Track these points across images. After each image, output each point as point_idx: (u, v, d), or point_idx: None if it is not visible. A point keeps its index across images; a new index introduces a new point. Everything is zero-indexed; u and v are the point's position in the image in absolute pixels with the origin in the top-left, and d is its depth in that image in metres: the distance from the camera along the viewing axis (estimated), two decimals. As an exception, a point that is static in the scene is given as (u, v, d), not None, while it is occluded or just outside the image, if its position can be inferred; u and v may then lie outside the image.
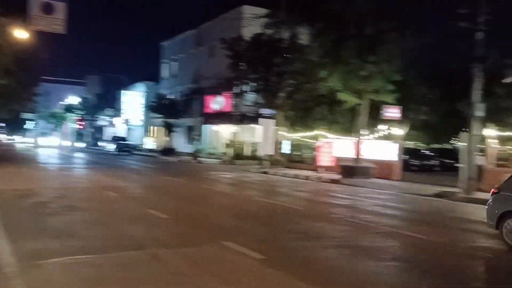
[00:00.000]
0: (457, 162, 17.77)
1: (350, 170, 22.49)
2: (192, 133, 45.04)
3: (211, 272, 6.30)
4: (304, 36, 28.54)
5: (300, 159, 29.82)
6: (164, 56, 55.05)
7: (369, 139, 24.58)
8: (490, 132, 17.95)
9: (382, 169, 22.82)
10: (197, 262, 6.79)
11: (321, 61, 24.28)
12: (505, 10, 17.06)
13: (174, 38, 52.13)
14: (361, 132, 23.64)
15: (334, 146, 25.26)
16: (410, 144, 30.20)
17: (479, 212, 13.08)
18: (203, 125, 43.82)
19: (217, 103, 40.23)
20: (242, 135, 37.52)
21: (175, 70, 52.34)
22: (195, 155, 36.69)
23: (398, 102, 24.57)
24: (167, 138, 46.85)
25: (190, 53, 47.73)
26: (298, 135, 29.43)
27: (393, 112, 24.87)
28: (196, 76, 44.10)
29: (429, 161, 30.21)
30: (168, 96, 48.21)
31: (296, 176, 23.68)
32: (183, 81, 47.64)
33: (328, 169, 24.18)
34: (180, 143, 46.24)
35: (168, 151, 43.80)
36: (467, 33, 17.16)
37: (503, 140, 18.15)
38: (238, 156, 34.27)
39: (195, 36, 47.08)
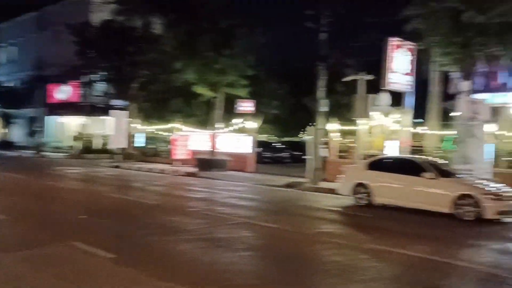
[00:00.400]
0: (305, 154, 18.97)
1: (206, 163, 22.64)
2: (34, 125, 41.21)
3: (58, 275, 5.78)
4: (159, 25, 27.88)
5: (155, 152, 29.16)
6: (0, 40, 49.45)
7: (224, 132, 24.99)
8: (333, 126, 19.49)
9: (237, 162, 23.37)
10: (42, 265, 6.17)
11: (176, 52, 23.98)
12: (345, 14, 18.58)
13: (12, 20, 47.04)
14: (216, 125, 23.93)
15: (190, 139, 25.17)
16: (263, 137, 31.39)
17: (324, 200, 14.20)
18: (46, 116, 40.37)
19: (63, 92, 37.34)
20: (91, 127, 35.41)
21: (14, 55, 47.32)
22: (38, 149, 33.62)
23: (252, 96, 25.44)
24: (5, 130, 42.32)
25: (32, 37, 43.55)
26: (153, 128, 28.73)
27: (246, 106, 25.71)
28: (39, 62, 40.38)
29: (280, 154, 31.72)
30: (5, 84, 43.48)
31: (150, 170, 23.11)
32: (24, 67, 43.22)
33: (184, 162, 24.04)
34: (20, 135, 42.07)
35: (5, 144, 39.48)
36: (313, 33, 18.37)
37: (343, 134, 19.84)
38: (87, 149, 32.21)
39: (38, 19, 43.06)
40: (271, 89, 31.73)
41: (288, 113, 33.09)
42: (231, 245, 7.91)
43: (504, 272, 6.79)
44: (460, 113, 14.15)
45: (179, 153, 24.46)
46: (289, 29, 28.44)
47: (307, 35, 19.50)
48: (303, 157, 20.77)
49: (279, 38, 33.02)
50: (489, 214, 10.72)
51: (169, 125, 27.17)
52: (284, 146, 33.34)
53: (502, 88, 17.86)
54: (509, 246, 8.78)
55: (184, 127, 26.47)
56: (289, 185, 17.53)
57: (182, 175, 21.32)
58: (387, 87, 17.88)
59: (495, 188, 11.36)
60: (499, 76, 17.82)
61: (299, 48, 32.27)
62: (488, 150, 14.62)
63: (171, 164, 24.34)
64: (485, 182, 11.96)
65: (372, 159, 13.90)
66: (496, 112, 16.55)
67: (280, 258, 7.26)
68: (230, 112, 25.27)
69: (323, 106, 18.28)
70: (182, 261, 6.79)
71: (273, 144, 32.90)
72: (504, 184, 11.87)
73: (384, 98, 18.05)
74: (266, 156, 29.07)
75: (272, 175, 21.06)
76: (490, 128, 15.13)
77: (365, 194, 12.76)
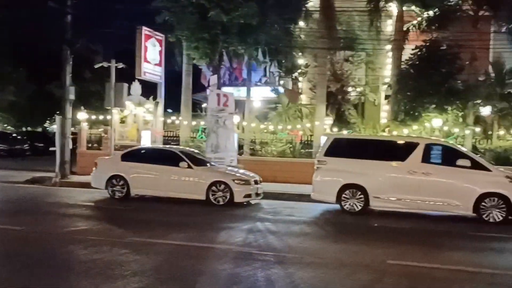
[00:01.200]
0: (50, 146, 17.42)
1: None
2: None
3: None
4: None
5: None
6: None
7: None
8: (82, 115, 18.33)
9: (-37, 156, 19.92)
10: None
11: None
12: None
13: None
14: None
15: None
16: (-3, 127, 27.88)
17: (76, 196, 13.28)
18: None
19: None
20: None
21: None
22: None
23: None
24: None
25: None
26: None
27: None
28: None
29: (19, 146, 28.59)
30: None
31: None
32: None
33: None
34: None
35: None
36: (57, 15, 16.85)
37: (94, 123, 18.89)
38: None
39: None
40: (5, 73, 28.17)
41: (29, 100, 29.95)
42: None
43: (253, 249, 7.47)
44: (210, 104, 15.01)
45: None
46: (29, 8, 25.54)
47: (50, 16, 17.78)
48: (49, 149, 19.08)
49: (16, 17, 29.47)
50: (238, 198, 11.77)
51: None
52: (24, 137, 30.15)
53: (244, 83, 19.70)
54: (256, 225, 9.72)
55: None
56: (33, 181, 16.04)
57: None
58: (141, 77, 17.79)
59: (241, 174, 12.47)
60: (242, 72, 19.63)
61: (41, 30, 29.41)
62: (234, 140, 15.93)
63: None
64: (233, 169, 13.05)
65: (128, 150, 13.71)
66: (239, 105, 18.21)
67: (28, 264, 6.45)
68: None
69: (71, 93, 16.97)
70: None
71: (10, 135, 29.44)
72: (247, 170, 13.15)
73: (136, 88, 17.91)
74: (1, 149, 26.04)
75: (9, 170, 18.87)
76: (235, 119, 16.50)
77: (121, 186, 12.46)
